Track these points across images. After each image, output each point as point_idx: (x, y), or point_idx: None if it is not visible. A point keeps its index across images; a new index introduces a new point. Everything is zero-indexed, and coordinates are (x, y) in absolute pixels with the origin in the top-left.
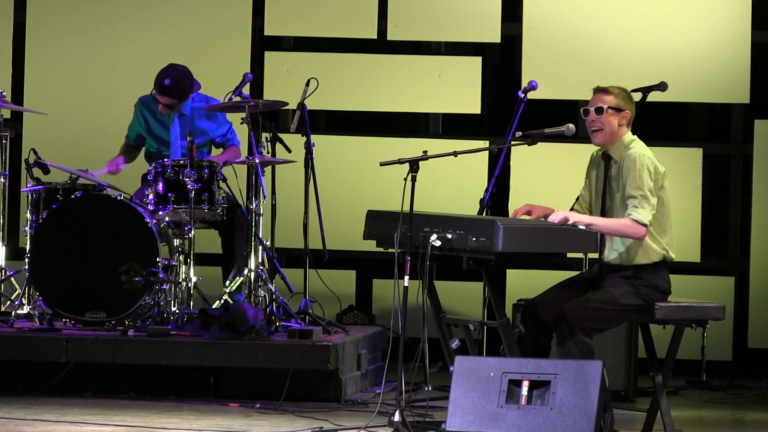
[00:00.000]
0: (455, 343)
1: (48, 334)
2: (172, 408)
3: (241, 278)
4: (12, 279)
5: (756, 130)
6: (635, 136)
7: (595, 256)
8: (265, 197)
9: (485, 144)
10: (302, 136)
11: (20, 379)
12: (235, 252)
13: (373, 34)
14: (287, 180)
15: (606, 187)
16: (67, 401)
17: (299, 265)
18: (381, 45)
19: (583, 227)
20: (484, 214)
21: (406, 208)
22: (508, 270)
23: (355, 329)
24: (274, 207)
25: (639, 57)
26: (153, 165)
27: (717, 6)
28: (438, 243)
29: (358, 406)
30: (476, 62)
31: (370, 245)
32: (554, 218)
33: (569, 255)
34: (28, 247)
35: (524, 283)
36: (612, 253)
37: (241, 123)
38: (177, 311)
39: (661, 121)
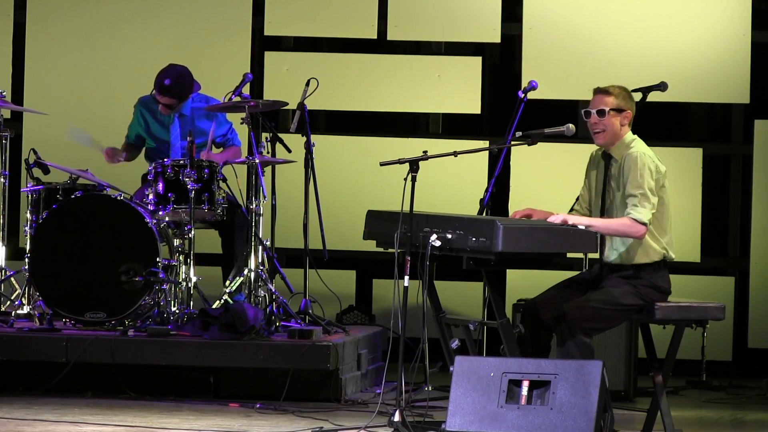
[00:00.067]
0: (455, 343)
1: (48, 334)
2: (172, 408)
3: (241, 278)
4: (12, 279)
5: (756, 130)
6: (636, 136)
7: (595, 256)
8: (265, 197)
9: (485, 144)
10: (302, 136)
11: (20, 379)
12: (235, 252)
13: (373, 34)
14: (287, 180)
15: (606, 186)
16: (67, 401)
17: (299, 265)
18: (381, 45)
19: (583, 227)
20: (484, 214)
21: (406, 208)
22: (508, 270)
23: (355, 329)
24: (274, 207)
25: (639, 57)
26: (153, 165)
27: (717, 6)
28: (438, 243)
29: (358, 406)
30: (476, 62)
31: (370, 245)
32: (553, 220)
33: (569, 255)
34: (28, 247)
35: (524, 283)
36: (612, 252)
37: (241, 123)
38: (177, 311)
39: (661, 121)
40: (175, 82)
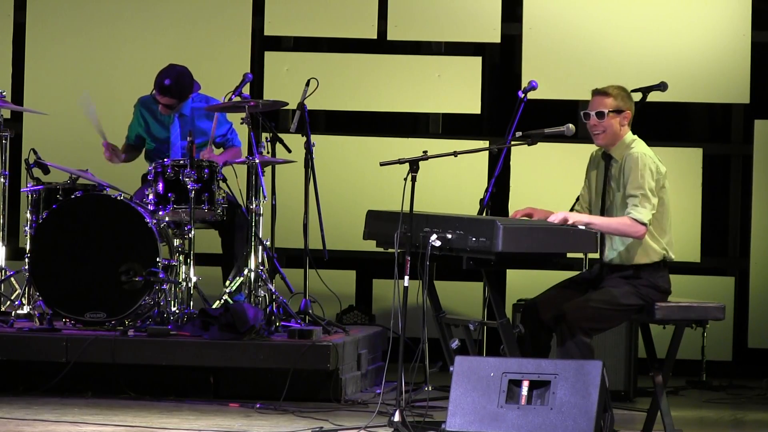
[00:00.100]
0: (455, 343)
1: (48, 334)
2: (172, 408)
3: (241, 278)
4: (12, 279)
5: (756, 130)
6: (636, 136)
7: (596, 256)
8: (265, 197)
9: (485, 144)
10: (302, 136)
11: (20, 379)
12: (235, 252)
13: (373, 34)
14: (287, 180)
15: (606, 186)
16: (67, 401)
17: (299, 265)
18: (381, 45)
19: (583, 227)
20: (484, 214)
21: (406, 208)
22: (508, 270)
23: (355, 329)
24: (274, 207)
25: (639, 57)
26: (153, 165)
27: (717, 6)
28: (438, 243)
29: (358, 406)
30: (476, 62)
31: (370, 245)
32: (553, 218)
33: (569, 255)
34: (28, 247)
35: (524, 283)
36: (612, 252)
37: (241, 123)
38: (177, 311)
39: (661, 121)
40: (175, 82)
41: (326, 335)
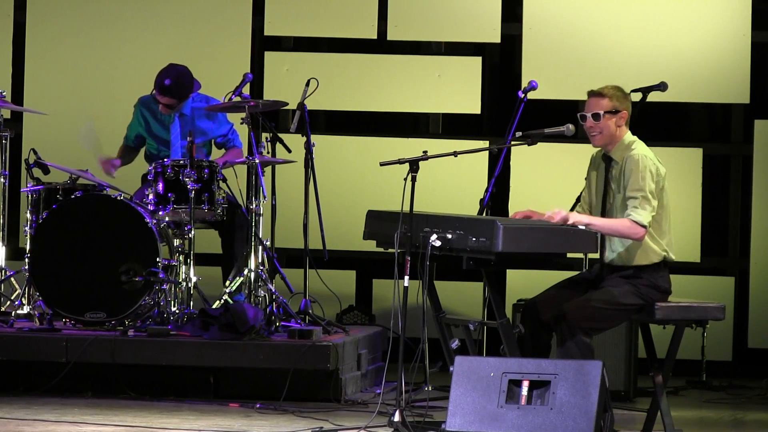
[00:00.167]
0: (455, 343)
1: (48, 334)
2: (172, 408)
3: (241, 278)
4: (12, 279)
5: (756, 130)
6: (635, 137)
7: (596, 256)
8: (265, 197)
9: (485, 144)
10: (302, 136)
11: (20, 379)
12: (235, 252)
13: (373, 34)
14: (287, 180)
15: (607, 187)
16: (67, 401)
17: (299, 265)
18: (381, 45)
19: (583, 227)
20: (484, 214)
21: (406, 208)
22: (508, 270)
23: (355, 329)
24: (274, 207)
25: (639, 57)
26: (153, 165)
27: (717, 6)
28: (438, 243)
29: (358, 406)
30: (476, 62)
31: (370, 245)
32: (553, 216)
33: (569, 255)
34: (28, 247)
35: (524, 283)
36: (612, 254)
37: (241, 123)
38: (177, 311)
39: (661, 121)
40: (176, 82)
41: (326, 335)
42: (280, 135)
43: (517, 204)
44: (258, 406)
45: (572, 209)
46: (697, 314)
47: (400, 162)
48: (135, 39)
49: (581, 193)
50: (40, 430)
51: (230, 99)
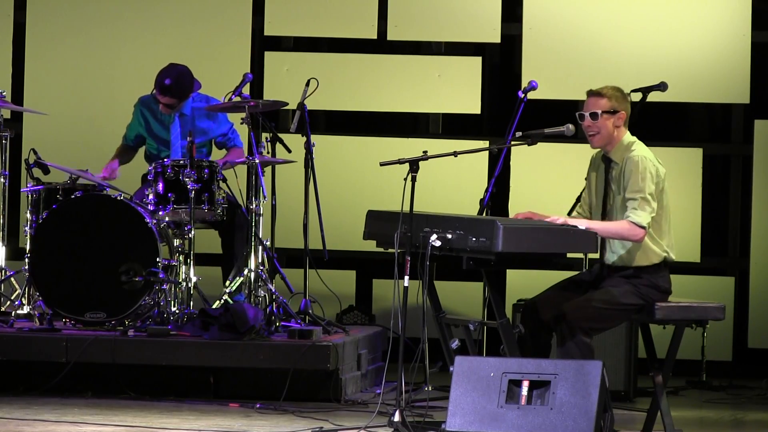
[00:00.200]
0: (455, 343)
1: (48, 334)
2: (172, 408)
3: (241, 278)
4: (12, 279)
5: (756, 130)
6: (635, 138)
7: (596, 256)
8: (265, 197)
9: (485, 144)
10: (302, 136)
11: (20, 379)
12: (235, 252)
13: (373, 34)
14: (287, 180)
15: (607, 189)
16: (67, 401)
17: (299, 265)
18: (381, 45)
19: (583, 228)
20: (484, 214)
21: (406, 208)
22: (508, 270)
23: (355, 329)
24: (274, 207)
25: (639, 57)
26: (153, 165)
27: (717, 6)
28: (438, 243)
29: (358, 406)
30: (476, 62)
31: (370, 245)
32: (553, 221)
33: (569, 255)
34: (28, 247)
35: (524, 283)
36: (612, 255)
37: (241, 123)
38: (177, 311)
39: (661, 121)
40: (176, 82)
41: (326, 335)
42: (280, 135)
43: (517, 204)
44: (258, 406)
45: (572, 209)
46: (697, 314)
47: (400, 162)
48: (135, 39)
49: (581, 193)
50: (40, 430)
51: (230, 99)
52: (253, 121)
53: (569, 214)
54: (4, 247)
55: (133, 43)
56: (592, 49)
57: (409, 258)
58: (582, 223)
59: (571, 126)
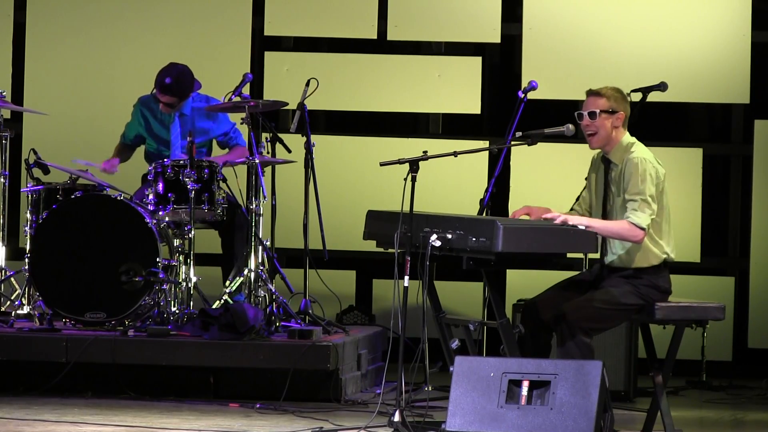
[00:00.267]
0: (455, 343)
1: (48, 334)
2: (172, 408)
3: (241, 278)
4: (12, 279)
5: (756, 130)
6: (635, 138)
7: (596, 256)
8: (265, 197)
9: (485, 144)
10: (302, 136)
11: (20, 379)
12: (235, 252)
13: (373, 34)
14: (287, 180)
15: (606, 190)
16: (67, 401)
17: (299, 265)
18: (381, 45)
19: (583, 228)
20: (484, 214)
21: (406, 208)
22: (508, 270)
23: (355, 329)
24: (274, 207)
25: (639, 57)
26: (153, 165)
27: (717, 6)
28: (438, 243)
29: (358, 406)
30: (476, 62)
31: (370, 245)
32: (552, 218)
33: (569, 255)
34: (28, 247)
35: (524, 283)
36: (612, 256)
37: (241, 123)
38: (177, 311)
39: (661, 121)
40: (176, 81)
41: (326, 335)
42: (280, 135)
43: (517, 204)
44: (258, 406)
45: (571, 208)
46: (697, 314)
47: (400, 162)
48: (135, 39)
49: (581, 192)
50: (40, 430)
51: (230, 99)
52: (253, 121)
53: (569, 211)
54: (4, 247)
55: (133, 43)
56: (592, 49)
57: (409, 258)
58: (583, 222)
59: (571, 126)
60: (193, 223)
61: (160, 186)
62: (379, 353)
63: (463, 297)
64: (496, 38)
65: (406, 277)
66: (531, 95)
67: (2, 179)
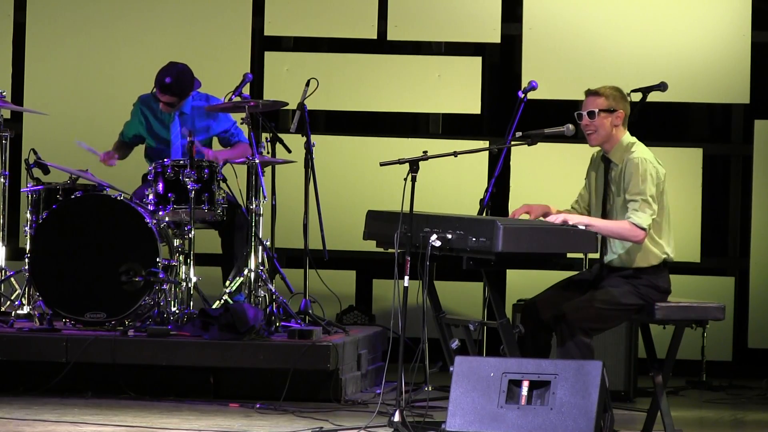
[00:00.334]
0: (455, 343)
1: (48, 334)
2: (172, 408)
3: (241, 278)
4: (12, 279)
5: (756, 130)
6: (635, 138)
7: (596, 256)
8: (265, 197)
9: (485, 144)
10: (302, 136)
11: (20, 379)
12: (235, 252)
13: (373, 35)
14: (287, 180)
15: (606, 189)
16: (67, 401)
17: (299, 265)
18: (381, 45)
19: (583, 227)
20: (484, 214)
21: (406, 208)
22: (508, 270)
23: (355, 329)
24: (274, 207)
25: (639, 57)
26: (153, 165)
27: (717, 6)
28: (438, 243)
29: (358, 406)
30: (476, 62)
31: (370, 245)
32: (553, 220)
33: (569, 255)
34: (28, 247)
35: (524, 283)
36: (611, 255)
37: (241, 123)
38: (177, 311)
39: (661, 121)
40: (176, 80)
41: (326, 335)
42: (280, 135)
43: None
44: (258, 406)
45: (571, 206)
46: (697, 314)
47: (400, 162)
48: (135, 39)
49: (581, 190)
50: (40, 430)
51: (230, 99)
52: (253, 121)
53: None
54: (4, 247)
55: (133, 43)
56: (592, 49)
57: (409, 258)
58: (584, 221)
59: (571, 126)
60: (193, 223)
61: (160, 186)
62: (379, 353)
63: (463, 297)
64: (496, 38)
65: (406, 277)
66: (531, 95)
67: (2, 179)
